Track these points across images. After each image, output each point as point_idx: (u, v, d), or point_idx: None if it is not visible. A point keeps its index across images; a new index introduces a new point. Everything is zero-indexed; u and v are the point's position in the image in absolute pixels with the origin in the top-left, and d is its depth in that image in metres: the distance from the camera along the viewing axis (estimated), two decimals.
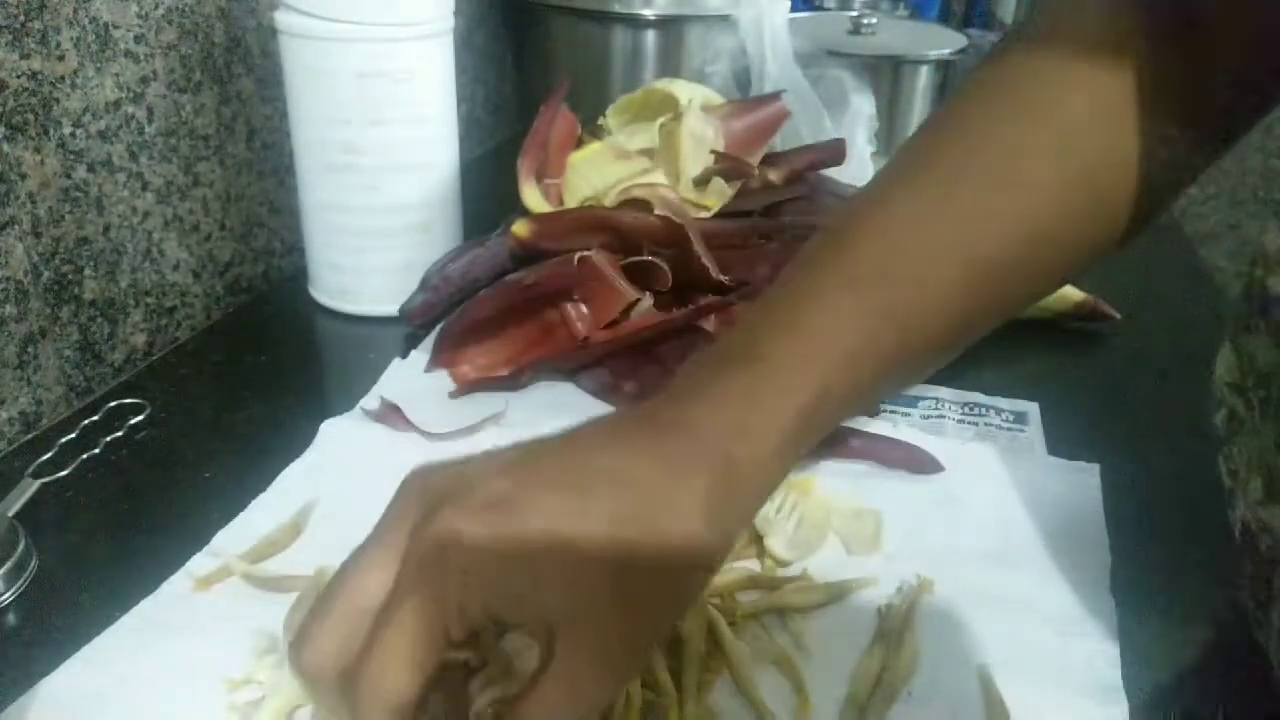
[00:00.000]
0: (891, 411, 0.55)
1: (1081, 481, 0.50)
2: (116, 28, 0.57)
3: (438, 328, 0.60)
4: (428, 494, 0.29)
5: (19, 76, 0.51)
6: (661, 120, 0.68)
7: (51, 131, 0.53)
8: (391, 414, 0.52)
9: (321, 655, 0.29)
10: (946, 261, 0.36)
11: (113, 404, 0.53)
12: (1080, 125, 0.37)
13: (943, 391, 0.58)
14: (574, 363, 0.57)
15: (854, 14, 1.01)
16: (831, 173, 0.72)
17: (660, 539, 0.29)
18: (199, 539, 0.44)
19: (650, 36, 0.92)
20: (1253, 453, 0.34)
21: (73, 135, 0.55)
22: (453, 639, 0.28)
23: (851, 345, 0.34)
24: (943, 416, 0.55)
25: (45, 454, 0.49)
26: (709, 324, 0.57)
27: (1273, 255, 0.34)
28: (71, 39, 0.54)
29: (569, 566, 0.28)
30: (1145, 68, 0.36)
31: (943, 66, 0.96)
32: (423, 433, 0.51)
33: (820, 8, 1.24)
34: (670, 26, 0.92)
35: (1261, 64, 0.37)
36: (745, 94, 0.88)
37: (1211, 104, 0.37)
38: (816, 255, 0.36)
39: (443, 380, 0.57)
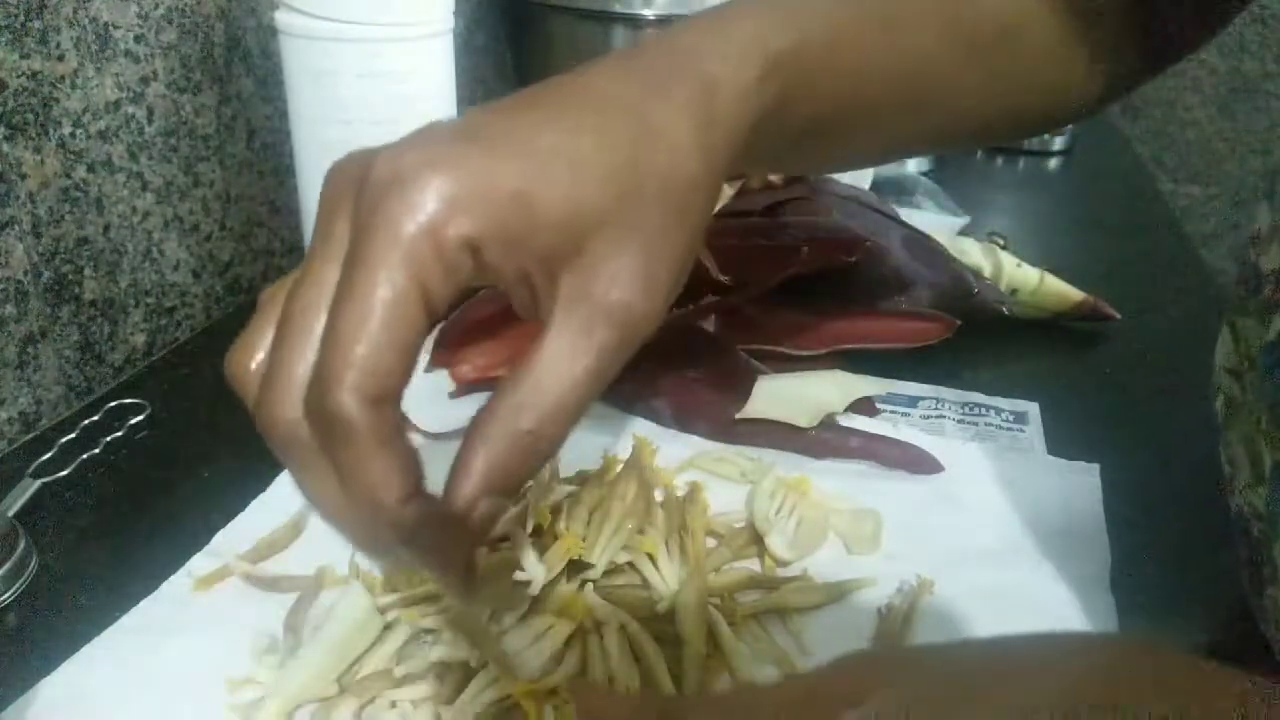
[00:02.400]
0: (891, 412, 0.55)
1: (1081, 482, 0.50)
2: (116, 28, 0.57)
3: (437, 328, 0.60)
4: (360, 161, 0.24)
5: (19, 76, 0.51)
6: None
7: (51, 131, 0.53)
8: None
9: (283, 398, 0.23)
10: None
11: (113, 404, 0.53)
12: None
13: (943, 391, 0.58)
14: None
15: None
16: None
17: (652, 150, 0.25)
18: (199, 539, 0.44)
19: (650, 36, 0.92)
20: (1244, 436, 0.34)
21: (73, 135, 0.55)
22: (435, 307, 0.23)
23: (832, 12, 0.33)
24: (942, 416, 0.55)
25: (45, 454, 0.49)
26: (709, 324, 0.57)
27: (1263, 234, 0.34)
28: (71, 39, 0.54)
29: (559, 180, 0.23)
30: None
31: None
32: (422, 433, 0.51)
33: None
34: (670, 26, 0.92)
35: None
36: None
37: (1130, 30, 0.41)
38: None
39: (442, 380, 0.57)
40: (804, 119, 0.32)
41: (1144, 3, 0.41)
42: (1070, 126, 1.06)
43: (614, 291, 0.24)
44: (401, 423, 0.23)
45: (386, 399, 0.22)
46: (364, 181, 0.23)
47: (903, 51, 0.36)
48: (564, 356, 0.23)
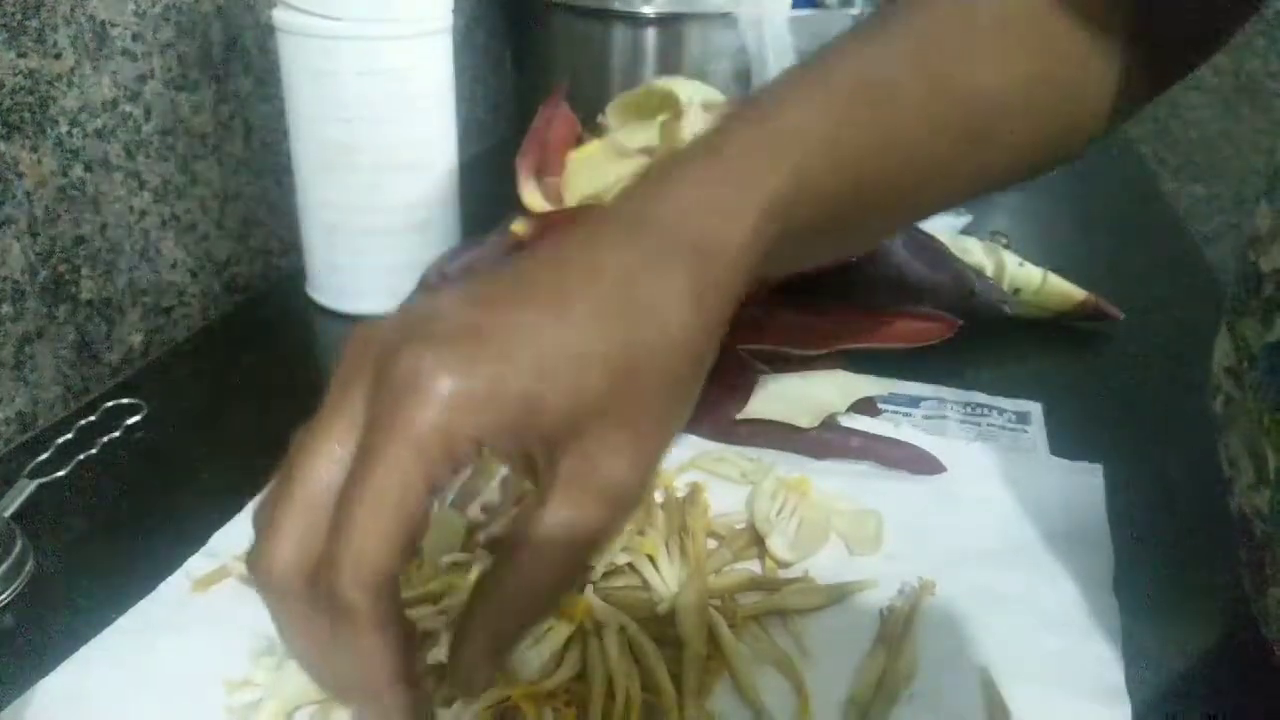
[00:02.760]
0: (893, 411, 0.55)
1: (1084, 482, 0.49)
2: (113, 26, 0.56)
3: None
4: (380, 343, 0.25)
5: (15, 75, 0.51)
6: (662, 118, 0.68)
7: (48, 130, 0.53)
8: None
9: (284, 557, 0.24)
10: (916, 76, 0.36)
11: (110, 404, 0.53)
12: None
13: (944, 391, 0.57)
14: None
15: (855, 12, 1.01)
16: None
17: (649, 330, 0.26)
18: (197, 540, 0.44)
19: (650, 34, 0.92)
20: (1245, 437, 0.34)
21: (69, 134, 0.55)
22: (436, 486, 0.24)
23: (824, 130, 0.33)
24: (944, 417, 0.55)
25: (42, 454, 0.49)
26: None
27: (1263, 234, 0.34)
28: (68, 37, 0.54)
29: (563, 377, 0.25)
30: None
31: None
32: None
33: (822, 6, 1.23)
34: (671, 24, 0.91)
35: None
36: (746, 92, 0.88)
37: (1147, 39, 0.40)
38: (777, 80, 0.36)
39: None
40: (802, 230, 0.33)
41: (1145, 35, 0.40)
42: None
43: (611, 472, 0.26)
44: (398, 602, 0.25)
45: (388, 583, 0.24)
46: (384, 372, 0.25)
47: (899, 149, 0.36)
48: (560, 529, 0.25)
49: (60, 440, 0.50)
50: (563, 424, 0.25)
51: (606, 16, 0.92)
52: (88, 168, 0.56)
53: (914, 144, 0.36)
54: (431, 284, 0.62)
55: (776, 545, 0.43)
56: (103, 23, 0.56)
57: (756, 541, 0.44)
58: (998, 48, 0.38)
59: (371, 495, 0.23)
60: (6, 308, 0.52)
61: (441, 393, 0.24)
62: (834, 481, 0.48)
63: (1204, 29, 0.41)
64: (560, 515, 0.25)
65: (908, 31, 0.38)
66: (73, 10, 0.54)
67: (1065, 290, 0.65)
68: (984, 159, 0.39)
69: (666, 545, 0.42)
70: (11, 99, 0.51)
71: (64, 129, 0.54)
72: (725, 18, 0.89)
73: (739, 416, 0.51)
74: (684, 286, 0.28)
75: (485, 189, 0.72)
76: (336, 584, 0.23)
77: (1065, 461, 0.51)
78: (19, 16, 0.50)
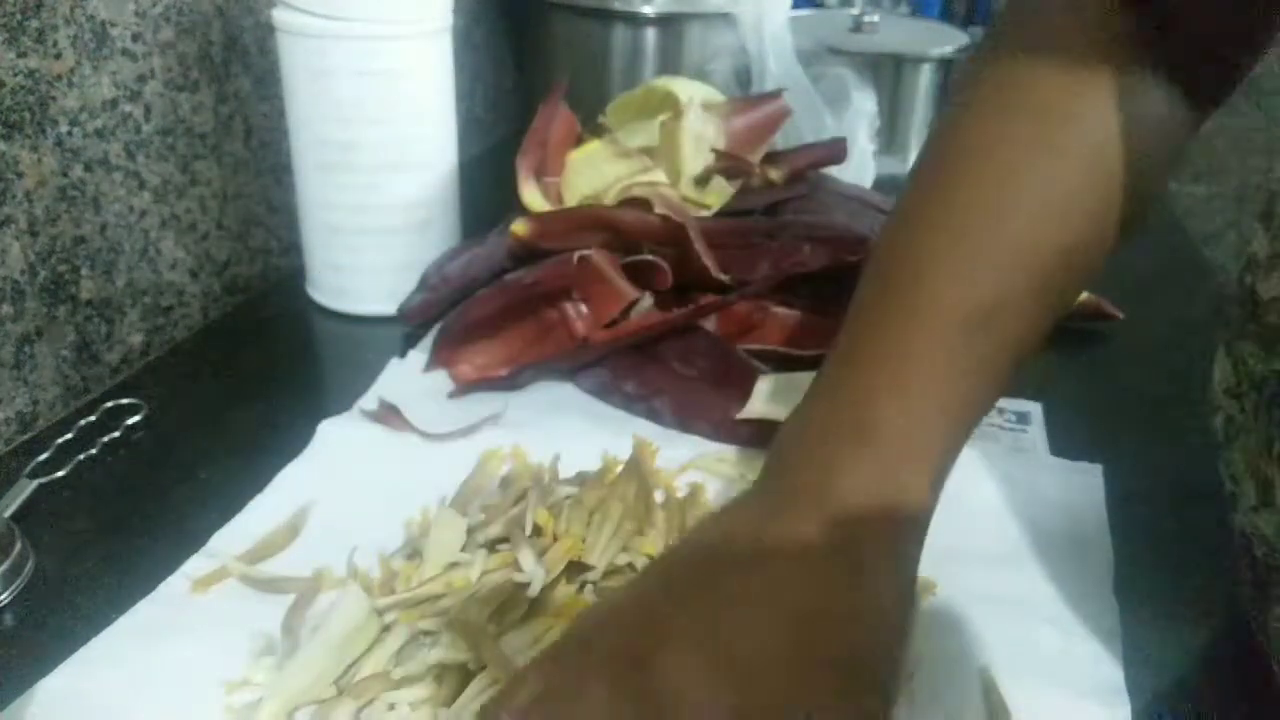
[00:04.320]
0: None
1: (1084, 482, 0.49)
2: (114, 26, 0.56)
3: (436, 327, 0.60)
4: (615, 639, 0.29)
5: (16, 75, 0.51)
6: (661, 118, 0.68)
7: (48, 130, 0.53)
8: (390, 414, 0.52)
9: None
10: (1012, 266, 0.36)
11: (109, 404, 0.53)
12: (1096, 127, 0.37)
13: None
14: (573, 362, 0.56)
15: (855, 12, 1.01)
16: (832, 171, 0.72)
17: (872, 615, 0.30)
18: (196, 540, 0.43)
19: (650, 34, 0.92)
20: (1248, 458, 0.34)
21: (69, 134, 0.54)
22: None
23: (958, 389, 0.35)
24: None
25: (42, 454, 0.49)
26: (709, 323, 0.57)
27: (1261, 260, 0.34)
28: (69, 37, 0.53)
29: (782, 684, 0.28)
30: (1125, 49, 0.37)
31: (945, 65, 0.96)
32: (421, 433, 0.51)
33: (822, 5, 1.24)
34: (670, 24, 0.91)
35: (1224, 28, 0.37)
36: (746, 92, 0.88)
37: (1189, 72, 0.38)
38: (876, 300, 0.37)
39: (441, 380, 0.57)
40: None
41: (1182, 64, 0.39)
42: None
43: None
44: None
45: None
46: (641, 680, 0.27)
47: (1017, 349, 0.38)
48: None
49: (60, 440, 0.50)
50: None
51: (606, 16, 0.92)
52: (88, 168, 0.56)
53: (1025, 341, 0.38)
54: (431, 284, 0.62)
55: None
56: (103, 23, 0.56)
57: None
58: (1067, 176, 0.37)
59: None
60: (6, 307, 0.52)
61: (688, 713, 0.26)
62: None
63: (1233, 36, 0.40)
64: None
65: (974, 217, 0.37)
66: (73, 10, 0.54)
67: None
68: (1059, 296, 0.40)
69: (666, 545, 0.42)
70: (12, 99, 0.51)
71: (64, 129, 0.54)
72: (725, 18, 0.89)
73: (739, 416, 0.51)
74: (889, 566, 0.31)
75: (485, 189, 0.72)
76: None
77: (1065, 462, 0.51)
78: (19, 16, 0.50)
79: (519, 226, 0.58)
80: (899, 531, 0.33)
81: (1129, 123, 0.37)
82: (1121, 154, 0.37)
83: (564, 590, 0.40)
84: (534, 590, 0.39)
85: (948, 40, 0.98)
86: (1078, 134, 0.37)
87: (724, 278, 0.57)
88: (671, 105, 0.69)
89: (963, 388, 0.36)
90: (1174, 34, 0.37)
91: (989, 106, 0.39)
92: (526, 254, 0.58)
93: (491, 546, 0.43)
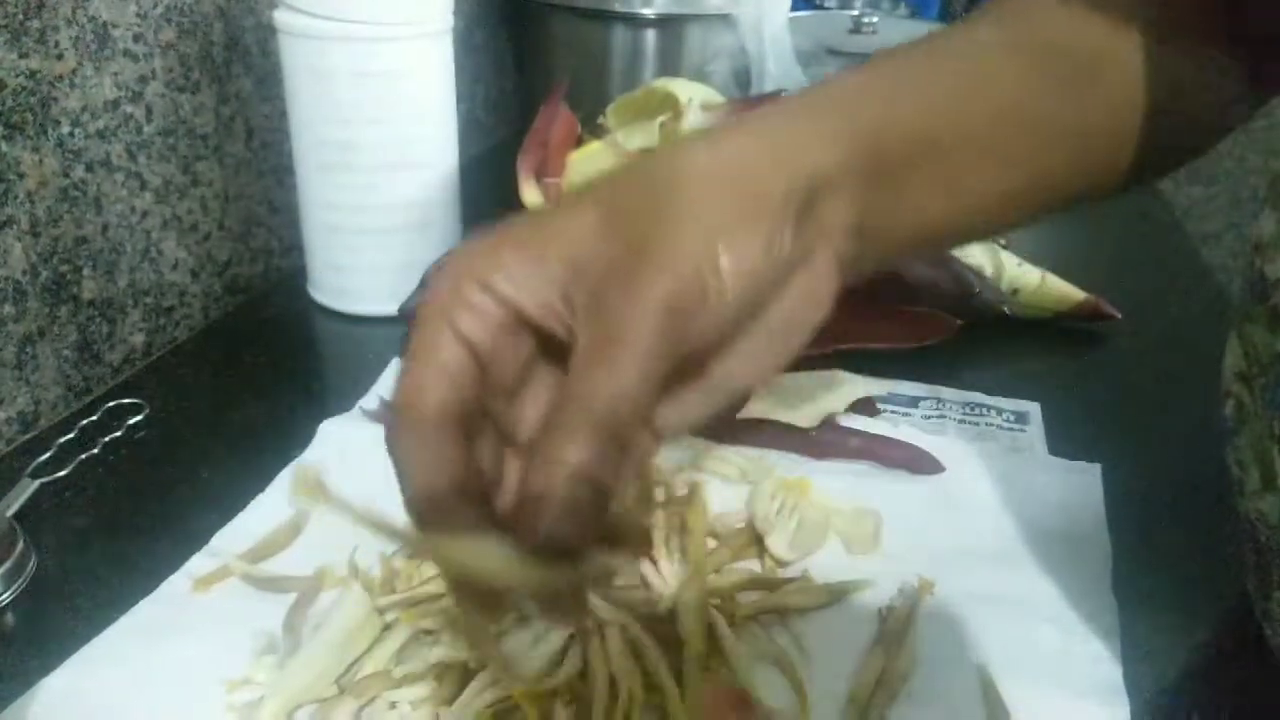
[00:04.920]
0: (892, 412, 0.55)
1: (1083, 482, 0.50)
2: (115, 27, 0.57)
3: None
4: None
5: (17, 75, 0.51)
6: (661, 119, 0.68)
7: (50, 131, 0.53)
8: (391, 414, 0.52)
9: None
10: (1000, 28, 0.36)
11: (111, 404, 0.53)
12: (1129, 63, 0.37)
13: (943, 391, 0.58)
14: None
15: (854, 13, 1.01)
16: None
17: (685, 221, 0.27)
18: (198, 539, 0.44)
19: (650, 35, 0.92)
20: (1254, 442, 0.34)
21: (71, 134, 0.55)
22: (474, 343, 0.27)
23: (907, 75, 0.33)
24: (943, 416, 0.55)
25: (44, 454, 0.49)
26: None
27: (1267, 240, 0.34)
28: (70, 38, 0.54)
29: (568, 234, 0.27)
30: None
31: None
32: None
33: (821, 6, 1.24)
34: (670, 25, 0.91)
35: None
36: (745, 93, 0.88)
37: (1251, 50, 0.38)
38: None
39: None
40: (898, 166, 0.32)
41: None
42: None
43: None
44: (449, 435, 0.27)
45: (426, 412, 0.27)
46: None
47: (988, 91, 0.35)
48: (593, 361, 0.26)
49: (62, 440, 0.50)
50: (565, 266, 0.27)
51: (606, 17, 0.92)
52: (89, 168, 0.56)
53: (1003, 88, 0.35)
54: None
55: (776, 544, 0.43)
56: (104, 24, 0.56)
57: (756, 541, 0.44)
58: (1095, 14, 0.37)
59: (418, 348, 0.27)
60: (8, 308, 0.52)
61: (450, 261, 0.28)
62: (833, 481, 0.48)
63: None
64: (587, 344, 0.26)
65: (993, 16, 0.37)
66: (74, 11, 0.54)
67: (1064, 290, 0.65)
68: (1083, 109, 0.37)
69: (666, 544, 0.42)
70: (13, 100, 0.51)
71: (66, 130, 0.54)
72: (725, 18, 0.90)
73: (739, 416, 0.52)
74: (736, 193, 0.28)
75: (485, 189, 0.72)
76: (398, 431, 0.28)
77: (1064, 461, 0.51)
78: (21, 17, 0.51)
79: None
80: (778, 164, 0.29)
81: (1168, 71, 0.37)
82: (1147, 96, 0.37)
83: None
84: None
85: None
86: (1111, 65, 0.37)
87: None
88: (671, 106, 0.69)
89: (914, 79, 0.34)
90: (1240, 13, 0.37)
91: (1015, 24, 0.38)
92: None
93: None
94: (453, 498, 0.27)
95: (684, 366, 0.28)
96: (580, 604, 0.30)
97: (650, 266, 0.26)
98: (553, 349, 0.29)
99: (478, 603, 0.28)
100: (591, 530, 0.25)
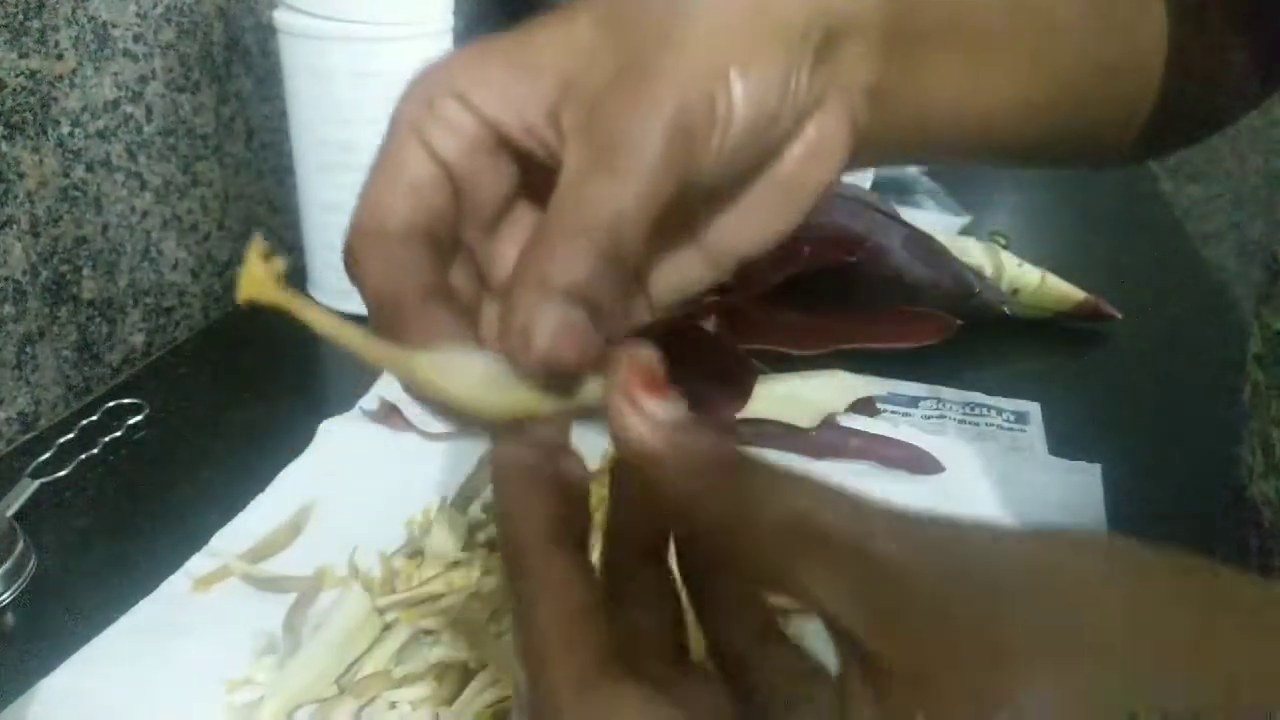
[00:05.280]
0: (892, 412, 0.55)
1: (1082, 482, 0.50)
2: (115, 27, 0.57)
3: None
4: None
5: (17, 76, 0.51)
6: None
7: (50, 131, 0.53)
8: (390, 414, 0.52)
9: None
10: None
11: (111, 404, 0.53)
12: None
13: (944, 391, 0.57)
14: None
15: None
16: None
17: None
18: (198, 539, 0.44)
19: None
20: (1262, 426, 0.35)
21: (71, 135, 0.55)
22: (446, 159, 0.25)
23: None
24: (943, 416, 0.55)
25: (44, 454, 0.49)
26: (709, 324, 0.57)
27: None
28: (70, 38, 0.54)
29: (547, 48, 0.25)
30: None
31: None
32: (422, 432, 0.51)
33: None
34: None
35: None
36: None
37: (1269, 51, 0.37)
38: None
39: None
40: (928, 32, 0.30)
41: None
42: None
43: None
44: (403, 254, 0.24)
45: (391, 231, 0.24)
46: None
47: None
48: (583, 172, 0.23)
49: (62, 440, 0.50)
50: (546, 80, 0.24)
51: None
52: (89, 168, 0.56)
53: None
54: None
55: None
56: (104, 24, 0.56)
57: None
58: None
59: (381, 157, 0.25)
60: (8, 308, 0.52)
61: (421, 72, 0.26)
62: (834, 481, 0.48)
63: None
64: (575, 158, 0.23)
65: None
66: (74, 11, 0.54)
67: (1064, 290, 0.65)
68: (1115, 43, 0.36)
69: None
70: (13, 100, 0.51)
71: (66, 130, 0.54)
72: None
73: (739, 416, 0.52)
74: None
75: None
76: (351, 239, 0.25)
77: (1064, 461, 0.51)
78: (21, 17, 0.51)
79: None
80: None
81: (1194, 38, 0.36)
82: (1172, 55, 0.36)
83: None
84: None
85: None
86: (1146, 16, 0.36)
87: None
88: None
89: None
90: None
91: None
92: None
93: (492, 546, 0.43)
94: (423, 303, 0.23)
95: (680, 220, 0.25)
96: (565, 440, 0.26)
97: (658, 83, 0.23)
98: (535, 184, 0.26)
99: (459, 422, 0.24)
100: (588, 358, 0.22)
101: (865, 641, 0.19)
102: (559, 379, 0.22)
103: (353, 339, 0.23)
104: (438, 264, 0.24)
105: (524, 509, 0.22)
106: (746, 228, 0.27)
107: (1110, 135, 0.38)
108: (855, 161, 0.29)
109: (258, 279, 0.24)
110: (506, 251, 0.26)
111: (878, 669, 0.18)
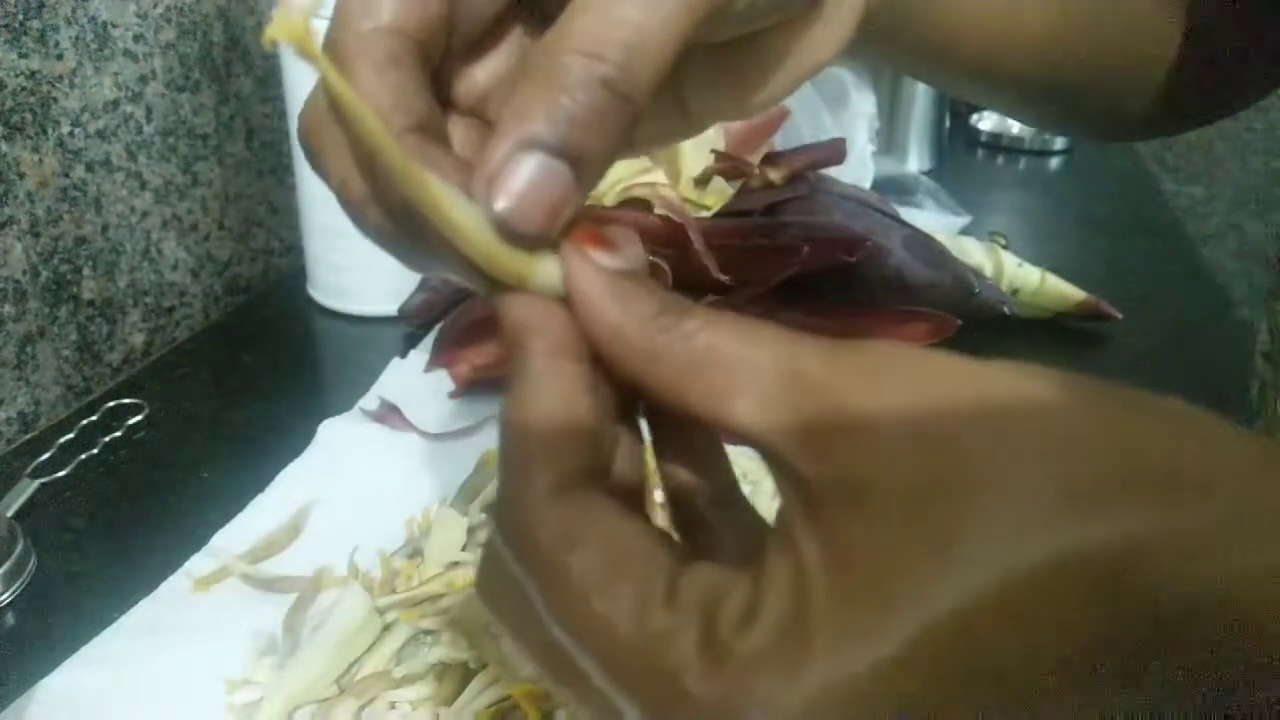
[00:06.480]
0: None
1: None
2: (115, 27, 0.57)
3: (437, 327, 0.60)
4: None
5: (17, 76, 0.51)
6: None
7: (50, 131, 0.53)
8: (390, 414, 0.52)
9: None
10: None
11: (111, 404, 0.53)
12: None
13: None
14: None
15: None
16: (831, 172, 0.72)
17: None
18: (197, 539, 0.44)
19: None
20: (1267, 424, 0.34)
21: (71, 135, 0.55)
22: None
23: None
24: None
25: (44, 454, 0.49)
26: None
27: None
28: (70, 38, 0.54)
29: None
30: None
31: None
32: (421, 433, 0.51)
33: None
34: None
35: None
36: None
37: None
38: None
39: (442, 380, 0.57)
40: None
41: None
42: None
43: None
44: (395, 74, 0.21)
45: (377, 26, 0.21)
46: None
47: None
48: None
49: (62, 440, 0.50)
50: None
51: None
52: (89, 168, 0.56)
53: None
54: (432, 284, 0.62)
55: None
56: (104, 24, 0.56)
57: None
58: None
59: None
60: (8, 308, 0.52)
61: None
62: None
63: None
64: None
65: None
66: (74, 11, 0.54)
67: (1064, 290, 0.65)
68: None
69: None
70: (13, 100, 0.51)
71: (66, 130, 0.54)
72: None
73: None
74: None
75: None
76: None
77: None
78: (21, 17, 0.51)
79: None
80: None
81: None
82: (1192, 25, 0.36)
83: None
84: None
85: None
86: None
87: (724, 278, 0.57)
88: None
89: None
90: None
91: None
92: None
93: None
94: (422, 143, 0.21)
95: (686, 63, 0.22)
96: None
97: None
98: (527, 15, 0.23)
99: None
100: (562, 223, 0.20)
101: (798, 465, 0.18)
102: (520, 240, 0.20)
103: (374, 130, 0.20)
104: (427, 89, 0.22)
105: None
106: (733, 92, 0.25)
107: (1127, 87, 0.38)
108: (861, 49, 0.27)
109: (290, 23, 0.19)
110: (476, 74, 0.24)
111: (814, 495, 0.18)
